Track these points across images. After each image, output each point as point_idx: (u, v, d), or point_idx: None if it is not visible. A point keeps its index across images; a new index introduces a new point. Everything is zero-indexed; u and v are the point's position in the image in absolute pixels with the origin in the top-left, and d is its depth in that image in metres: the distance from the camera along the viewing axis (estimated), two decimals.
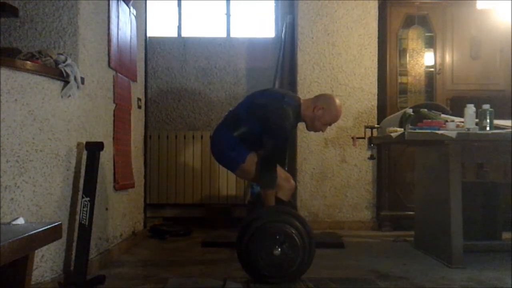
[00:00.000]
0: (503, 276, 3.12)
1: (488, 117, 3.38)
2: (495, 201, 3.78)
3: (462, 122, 3.48)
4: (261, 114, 3.06)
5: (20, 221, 1.77)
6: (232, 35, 5.66)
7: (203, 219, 5.18)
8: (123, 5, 3.79)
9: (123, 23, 3.80)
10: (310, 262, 2.94)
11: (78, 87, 2.88)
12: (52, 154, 2.73)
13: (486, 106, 3.42)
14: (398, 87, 4.99)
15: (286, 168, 5.12)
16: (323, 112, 3.17)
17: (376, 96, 5.00)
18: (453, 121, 3.56)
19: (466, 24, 4.97)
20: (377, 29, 5.01)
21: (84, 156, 2.98)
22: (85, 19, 3.11)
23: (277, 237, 2.82)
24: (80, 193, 2.94)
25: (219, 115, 5.32)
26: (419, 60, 5.00)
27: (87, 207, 2.86)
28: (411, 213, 4.42)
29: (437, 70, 4.98)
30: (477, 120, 3.43)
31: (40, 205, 2.62)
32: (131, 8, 4.03)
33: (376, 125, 4.52)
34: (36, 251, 1.79)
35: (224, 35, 5.66)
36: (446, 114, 3.94)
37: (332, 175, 4.98)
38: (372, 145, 4.35)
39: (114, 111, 3.64)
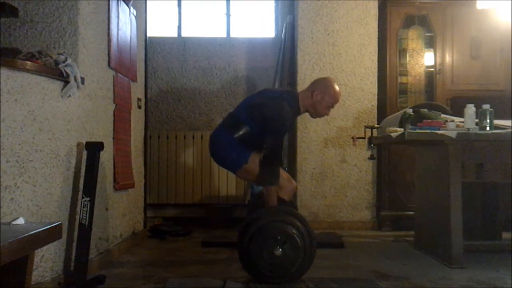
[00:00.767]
0: (503, 276, 3.12)
1: (488, 117, 3.38)
2: (495, 201, 3.78)
3: (462, 122, 3.48)
4: (260, 113, 3.08)
5: (20, 221, 1.77)
6: (232, 35, 5.66)
7: (203, 219, 5.18)
8: (123, 5, 3.79)
9: (123, 23, 3.80)
10: (310, 262, 2.94)
11: (78, 87, 2.88)
12: (52, 154, 2.73)
13: (486, 106, 3.42)
14: (398, 87, 4.99)
15: (286, 168, 5.13)
16: (322, 96, 3.21)
17: (376, 96, 5.00)
18: (453, 121, 3.56)
19: (466, 24, 4.97)
20: (377, 29, 5.01)
21: (84, 156, 2.98)
22: (85, 19, 3.11)
23: (279, 237, 2.82)
24: (80, 193, 2.94)
25: (219, 115, 5.32)
26: (419, 60, 5.00)
27: (87, 207, 2.86)
28: (411, 213, 4.42)
29: (437, 70, 4.98)
30: (477, 120, 3.43)
31: (40, 205, 2.62)
32: (131, 8, 4.03)
33: (376, 125, 4.52)
34: (36, 251, 1.79)
35: (224, 35, 5.66)
36: (446, 114, 3.94)
37: (332, 175, 4.98)
38: (372, 145, 4.36)
39: (114, 111, 3.64)
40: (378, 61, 5.02)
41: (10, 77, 2.44)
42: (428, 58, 5.01)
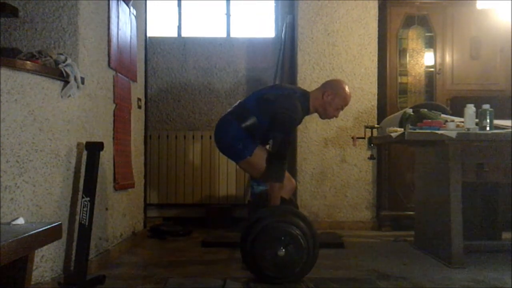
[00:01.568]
0: (503, 276, 3.12)
1: (488, 117, 3.38)
2: (495, 201, 3.78)
3: (462, 122, 3.48)
4: (271, 109, 3.10)
5: (20, 221, 1.77)
6: (232, 35, 5.67)
7: (203, 219, 5.18)
8: (123, 5, 3.79)
9: (123, 23, 3.80)
10: (313, 263, 2.94)
11: (78, 87, 2.88)
12: (52, 154, 2.73)
13: (486, 106, 3.42)
14: (398, 87, 4.99)
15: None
16: (333, 97, 3.22)
17: (376, 96, 5.00)
18: (453, 121, 3.56)
19: (466, 24, 4.97)
20: (377, 29, 5.01)
21: (84, 156, 2.98)
22: (85, 19, 3.11)
23: (282, 238, 2.82)
24: (80, 193, 2.94)
25: (219, 115, 5.28)
26: (419, 60, 5.00)
27: (87, 207, 2.86)
28: (411, 213, 4.42)
29: (437, 70, 4.98)
30: (477, 120, 3.43)
31: (40, 205, 2.62)
32: (131, 8, 4.03)
33: (376, 125, 4.52)
34: (36, 251, 1.80)
35: (224, 35, 5.66)
36: (446, 114, 3.94)
37: (332, 175, 4.98)
38: (372, 145, 4.35)
39: (114, 111, 3.64)
40: (378, 61, 5.02)
41: (10, 77, 2.44)
42: (428, 58, 5.00)
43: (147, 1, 4.71)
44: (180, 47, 5.51)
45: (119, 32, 3.69)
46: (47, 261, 2.67)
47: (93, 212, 2.90)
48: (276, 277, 2.86)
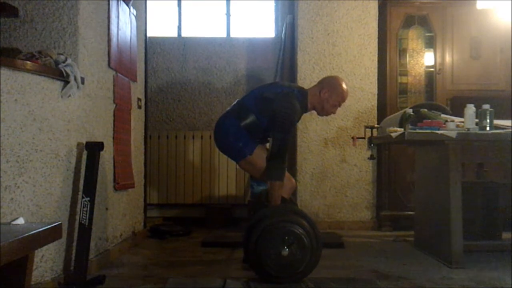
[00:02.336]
0: (503, 276, 3.12)
1: (488, 117, 3.38)
2: (495, 201, 3.78)
3: (462, 122, 3.48)
4: (270, 108, 3.11)
5: (20, 221, 1.77)
6: (232, 35, 5.67)
7: (203, 219, 5.18)
8: (123, 5, 3.79)
9: (123, 23, 3.80)
10: (317, 262, 2.94)
11: (78, 87, 2.88)
12: (52, 154, 2.73)
13: (486, 106, 3.42)
14: (398, 87, 4.99)
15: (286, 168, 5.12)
16: (330, 94, 3.23)
17: (376, 96, 5.00)
18: (453, 121, 3.56)
19: (466, 24, 4.97)
20: (377, 29, 5.01)
21: (84, 156, 2.98)
22: (85, 19, 3.11)
23: (286, 237, 2.82)
24: (80, 193, 2.94)
25: (219, 115, 5.28)
26: (419, 60, 5.00)
27: (87, 207, 2.86)
28: (411, 213, 4.42)
29: (437, 70, 4.97)
30: (477, 120, 3.43)
31: (40, 205, 2.62)
32: (131, 8, 4.03)
33: (376, 125, 4.52)
34: (36, 251, 1.79)
35: (224, 35, 5.66)
36: (446, 114, 3.94)
37: (332, 175, 4.98)
38: (372, 145, 4.35)
39: (114, 111, 3.64)
40: (378, 61, 5.02)
41: (10, 77, 2.44)
42: (428, 58, 5.00)
43: (147, 1, 4.70)
44: (180, 47, 5.51)
45: (119, 32, 3.69)
46: (47, 261, 2.67)
47: (93, 212, 2.90)
48: (280, 277, 2.87)
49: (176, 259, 3.65)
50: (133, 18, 4.10)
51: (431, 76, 5.00)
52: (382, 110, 4.95)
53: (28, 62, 2.57)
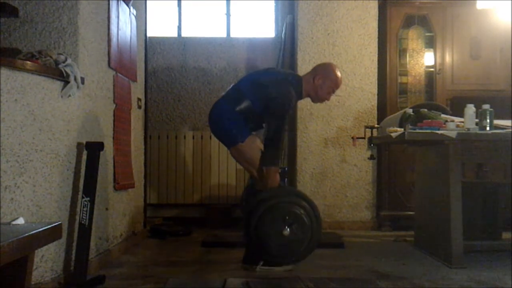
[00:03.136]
0: (503, 276, 3.12)
1: (488, 117, 3.38)
2: (495, 201, 3.78)
3: (462, 122, 3.48)
4: (265, 94, 3.14)
5: (20, 221, 1.77)
6: (232, 35, 5.66)
7: (203, 219, 5.18)
8: (123, 5, 3.79)
9: (123, 23, 3.80)
10: (317, 242, 2.96)
11: (78, 87, 2.88)
12: (52, 154, 2.73)
13: (486, 106, 3.41)
14: (398, 87, 4.99)
15: (286, 168, 5.12)
16: (323, 81, 3.26)
17: (376, 96, 5.00)
18: (453, 121, 3.56)
19: (466, 24, 4.97)
20: (377, 29, 5.01)
21: (84, 156, 2.98)
22: (85, 19, 3.11)
23: (287, 217, 2.84)
24: (80, 193, 2.94)
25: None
26: (419, 60, 5.00)
27: (87, 207, 2.86)
28: (411, 213, 4.42)
29: (437, 70, 4.97)
30: (477, 120, 3.43)
31: (40, 205, 2.62)
32: (131, 8, 4.03)
33: (376, 125, 4.52)
34: (36, 251, 1.79)
35: (224, 35, 5.66)
36: (446, 114, 3.94)
37: (332, 175, 4.98)
38: (372, 145, 4.35)
39: (114, 111, 3.64)
40: (378, 61, 5.01)
41: (10, 77, 2.44)
42: (428, 58, 5.00)
43: (147, 1, 4.71)
44: (180, 47, 5.51)
45: (119, 32, 3.69)
46: (47, 261, 2.67)
47: (93, 212, 2.90)
48: (281, 257, 2.88)
49: (176, 259, 3.65)
50: (133, 18, 4.10)
51: (431, 76, 5.00)
52: (382, 110, 4.95)
53: (28, 62, 2.57)
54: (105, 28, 3.45)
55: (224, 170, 5.26)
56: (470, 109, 3.43)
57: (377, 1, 5.01)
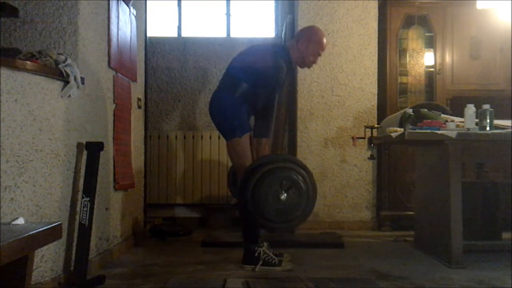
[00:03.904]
0: (503, 276, 3.12)
1: (488, 117, 3.38)
2: (495, 201, 3.78)
3: (462, 122, 3.48)
4: (255, 69, 3.15)
5: (20, 221, 1.77)
6: (232, 35, 5.66)
7: (203, 219, 5.18)
8: (123, 5, 3.79)
9: (123, 23, 3.80)
10: (312, 207, 2.98)
11: (78, 87, 2.88)
12: (52, 154, 2.73)
13: (486, 106, 3.42)
14: (398, 87, 4.99)
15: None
16: (307, 44, 3.26)
17: (376, 96, 5.00)
18: (453, 121, 3.56)
19: (466, 24, 4.97)
20: (377, 29, 5.01)
21: (84, 156, 2.98)
22: (85, 19, 3.11)
23: (284, 182, 2.85)
24: (80, 193, 2.94)
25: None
26: (419, 60, 5.00)
27: (87, 207, 2.86)
28: (411, 213, 4.42)
29: (437, 70, 4.98)
30: (477, 120, 3.43)
31: (40, 205, 2.62)
32: (131, 8, 4.03)
33: (376, 125, 4.52)
34: (36, 251, 1.79)
35: (224, 35, 5.66)
36: (446, 114, 3.94)
37: (332, 175, 4.98)
38: (372, 145, 4.35)
39: (114, 111, 3.64)
40: (378, 61, 5.01)
41: (10, 77, 2.44)
42: (428, 58, 5.00)
43: (147, 1, 4.70)
44: (180, 47, 5.51)
45: (119, 32, 3.69)
46: (47, 261, 2.67)
47: (93, 212, 2.90)
48: (278, 222, 2.89)
49: (176, 259, 3.65)
50: (133, 18, 4.10)
51: (431, 76, 5.00)
52: (382, 110, 4.95)
53: (28, 62, 2.57)
54: (105, 28, 3.45)
55: (224, 170, 5.25)
56: (470, 109, 3.43)
57: (377, 1, 5.01)
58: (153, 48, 5.35)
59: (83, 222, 2.85)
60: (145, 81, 4.62)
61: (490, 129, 3.38)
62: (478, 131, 3.37)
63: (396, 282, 3.02)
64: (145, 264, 3.50)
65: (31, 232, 1.62)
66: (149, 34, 4.79)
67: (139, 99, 4.36)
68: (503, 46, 4.91)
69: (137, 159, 4.27)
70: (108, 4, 3.48)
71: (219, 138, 5.23)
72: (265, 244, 3.31)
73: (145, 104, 4.62)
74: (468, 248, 3.43)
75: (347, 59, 5.00)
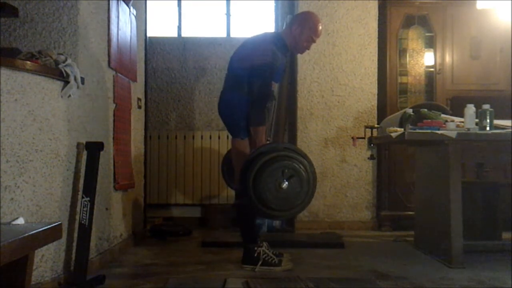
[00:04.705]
0: (503, 276, 3.12)
1: (488, 117, 3.38)
2: (495, 201, 3.78)
3: (462, 122, 3.48)
4: (250, 59, 3.19)
5: (20, 221, 1.77)
6: (232, 35, 5.66)
7: (203, 219, 5.18)
8: (123, 5, 3.79)
9: (123, 23, 3.80)
10: (312, 195, 3.00)
11: (78, 87, 2.88)
12: (52, 154, 2.73)
13: (486, 106, 3.42)
14: (398, 87, 4.99)
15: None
16: (301, 29, 3.28)
17: (376, 96, 5.00)
18: (453, 121, 3.56)
19: (466, 24, 4.97)
20: (377, 29, 5.01)
21: (84, 156, 2.98)
22: (85, 19, 3.11)
23: (286, 170, 2.86)
24: (80, 193, 2.94)
25: (218, 114, 5.31)
26: (419, 60, 5.00)
27: (87, 207, 2.86)
28: (411, 213, 4.42)
29: (437, 70, 4.98)
30: (477, 120, 3.43)
31: (40, 205, 2.62)
32: (131, 8, 4.03)
33: (376, 125, 4.52)
34: (36, 251, 1.80)
35: (224, 35, 5.66)
36: (446, 114, 3.94)
37: (332, 175, 4.98)
38: (372, 145, 4.35)
39: (114, 111, 3.64)
40: (378, 61, 5.01)
41: (10, 77, 2.44)
42: (428, 58, 5.00)
43: (147, 1, 4.70)
44: (180, 47, 5.51)
45: (119, 32, 3.69)
46: (47, 261, 2.67)
47: (93, 212, 2.90)
48: (279, 210, 2.90)
49: (176, 259, 3.65)
50: (133, 18, 4.10)
51: (431, 76, 5.00)
52: (382, 110, 4.95)
53: (28, 62, 2.57)
54: (105, 28, 3.45)
55: None
56: (470, 109, 3.43)
57: (377, 1, 5.01)
58: (153, 48, 5.34)
59: (83, 222, 2.85)
60: (145, 81, 4.62)
61: (490, 129, 3.38)
62: (478, 131, 3.37)
63: (396, 282, 3.02)
64: (145, 264, 3.50)
65: (31, 232, 1.62)
66: (149, 34, 4.79)
67: (139, 99, 4.36)
68: (503, 46, 4.91)
69: (137, 159, 4.27)
70: (108, 4, 3.48)
71: (219, 138, 5.23)
72: (265, 244, 3.31)
73: (145, 104, 4.62)
74: (468, 248, 3.43)
75: (347, 59, 5.00)
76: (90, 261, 3.02)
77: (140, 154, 4.44)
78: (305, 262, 3.51)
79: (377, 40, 5.00)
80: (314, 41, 3.35)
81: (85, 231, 2.86)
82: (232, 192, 5.25)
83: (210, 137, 5.24)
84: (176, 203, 5.28)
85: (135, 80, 4.18)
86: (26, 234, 1.59)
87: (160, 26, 5.64)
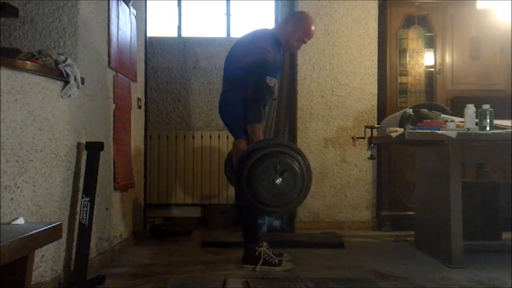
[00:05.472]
0: (503, 276, 3.12)
1: (488, 117, 3.38)
2: (495, 201, 3.78)
3: (462, 122, 3.48)
4: (244, 57, 3.21)
5: (20, 221, 1.77)
6: (232, 35, 5.66)
7: (203, 219, 5.18)
8: (123, 5, 3.79)
9: (123, 23, 3.80)
10: (308, 191, 3.01)
11: (78, 87, 2.88)
12: (52, 154, 2.73)
13: (486, 106, 3.42)
14: (398, 87, 4.99)
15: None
16: (295, 28, 3.30)
17: (376, 96, 5.00)
18: (453, 121, 3.56)
19: (466, 24, 4.97)
20: (377, 29, 5.01)
21: (84, 156, 2.98)
22: (85, 19, 3.11)
23: (278, 166, 2.87)
24: (80, 193, 2.94)
25: (219, 115, 5.31)
26: (419, 60, 5.00)
27: (87, 207, 2.86)
28: (411, 213, 4.42)
29: (437, 70, 4.97)
30: (477, 120, 3.43)
31: (40, 205, 2.62)
32: (131, 8, 4.03)
33: (376, 125, 4.52)
34: (36, 251, 1.80)
35: (224, 35, 5.66)
36: (446, 114, 3.94)
37: (332, 175, 4.98)
38: (372, 145, 4.35)
39: (114, 111, 3.64)
40: (378, 61, 5.01)
41: (10, 77, 2.44)
42: (428, 58, 5.00)
43: (147, 1, 4.70)
44: (180, 47, 5.51)
45: (119, 32, 3.69)
46: (47, 261, 2.67)
47: (93, 212, 2.90)
48: (274, 206, 2.90)
49: (176, 259, 3.65)
50: (133, 18, 4.10)
51: (431, 76, 5.00)
52: (382, 110, 4.95)
53: (28, 62, 2.57)
54: (105, 28, 3.45)
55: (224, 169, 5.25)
56: (470, 109, 3.43)
57: (377, 1, 5.01)
58: (153, 48, 5.35)
59: (83, 222, 2.85)
60: (145, 81, 4.62)
61: (490, 129, 3.38)
62: (478, 131, 3.37)
63: (396, 282, 3.02)
64: (145, 264, 3.50)
65: (31, 232, 1.62)
66: (149, 34, 4.79)
67: (139, 99, 4.36)
68: (503, 46, 4.91)
69: (137, 159, 4.27)
70: (108, 4, 3.48)
71: (219, 138, 5.23)
72: (265, 244, 3.31)
73: (145, 104, 4.62)
74: (468, 248, 3.43)
75: (347, 59, 5.00)
76: (90, 261, 3.02)
77: (140, 154, 4.44)
78: (305, 262, 3.51)
79: (377, 40, 5.01)
80: (305, 42, 3.39)
81: (85, 231, 2.86)
82: (232, 192, 5.26)
83: (210, 137, 5.24)
84: (176, 203, 5.28)
85: (135, 80, 4.18)
86: (26, 234, 1.59)
87: (160, 26, 5.64)
